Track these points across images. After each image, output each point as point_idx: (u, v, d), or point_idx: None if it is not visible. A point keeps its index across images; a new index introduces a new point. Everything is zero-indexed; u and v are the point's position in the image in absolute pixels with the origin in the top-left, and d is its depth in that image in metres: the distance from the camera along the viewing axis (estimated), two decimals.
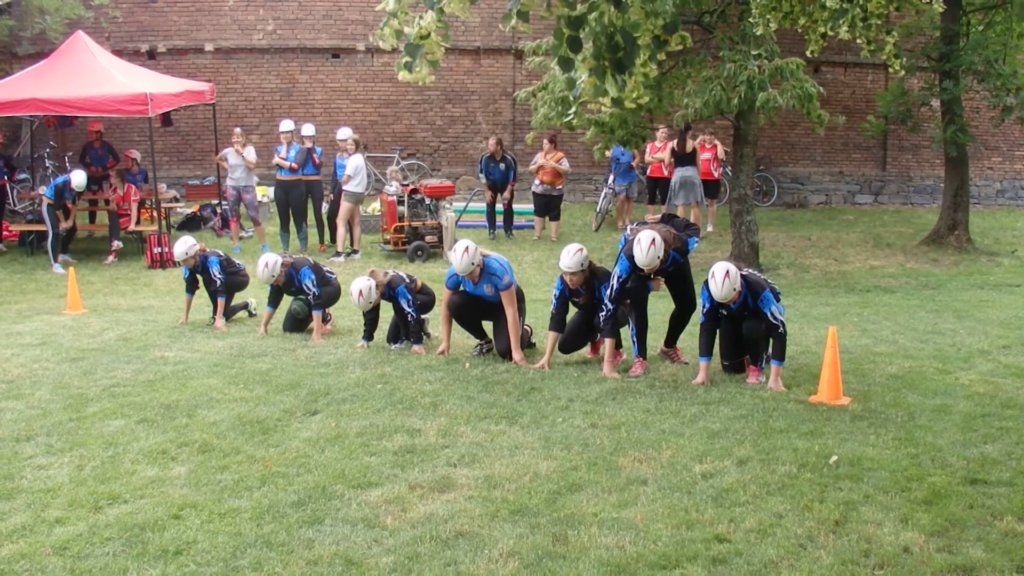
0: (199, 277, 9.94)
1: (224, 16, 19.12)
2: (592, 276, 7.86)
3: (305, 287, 9.09)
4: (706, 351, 7.41)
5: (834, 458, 5.61)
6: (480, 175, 16.17)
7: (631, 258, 7.40)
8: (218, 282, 9.75)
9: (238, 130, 15.40)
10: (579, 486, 5.27)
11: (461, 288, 8.25)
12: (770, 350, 7.35)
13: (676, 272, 7.88)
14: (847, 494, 5.11)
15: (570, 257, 7.72)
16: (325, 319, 9.42)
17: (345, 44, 19.27)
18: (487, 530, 4.71)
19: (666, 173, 16.41)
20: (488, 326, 8.43)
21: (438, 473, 5.47)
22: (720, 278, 7.06)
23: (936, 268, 14.92)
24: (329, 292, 9.44)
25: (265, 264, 9.11)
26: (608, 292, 7.61)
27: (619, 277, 7.55)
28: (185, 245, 9.82)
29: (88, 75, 14.26)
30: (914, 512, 4.87)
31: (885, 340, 9.35)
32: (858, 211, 19.97)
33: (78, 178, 14.19)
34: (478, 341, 8.47)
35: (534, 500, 5.06)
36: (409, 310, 8.52)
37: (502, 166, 15.84)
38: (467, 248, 7.94)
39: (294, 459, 5.72)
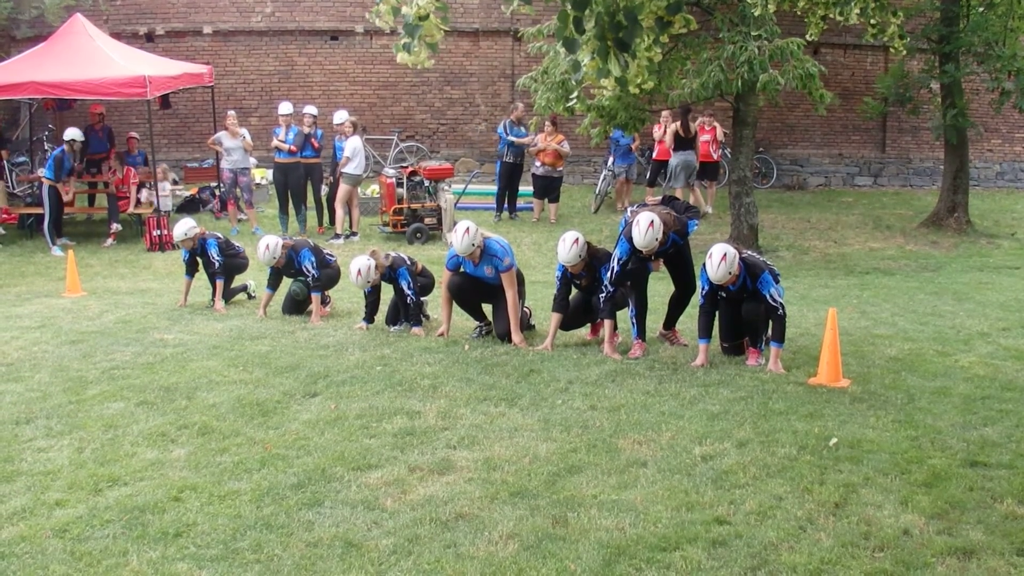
0: (198, 259, 9.92)
1: None
2: (592, 259, 7.85)
3: (305, 269, 9.09)
4: (705, 333, 7.40)
5: (834, 440, 5.61)
6: (504, 135, 16.01)
7: (631, 240, 7.39)
8: (216, 264, 9.73)
9: (232, 113, 15.37)
10: (579, 468, 5.27)
11: (461, 269, 8.24)
12: (769, 332, 7.35)
13: (676, 254, 7.86)
14: (847, 476, 5.12)
15: (567, 251, 7.68)
16: (324, 301, 9.41)
17: (344, 26, 19.20)
18: (487, 512, 4.71)
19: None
20: (488, 308, 8.42)
21: (438, 455, 5.47)
22: (717, 260, 7.05)
23: (936, 250, 14.91)
24: (328, 274, 9.43)
25: (266, 246, 9.11)
26: (608, 274, 7.60)
27: (619, 259, 7.54)
28: (184, 226, 9.81)
29: (87, 58, 14.22)
30: (914, 494, 4.87)
31: (885, 322, 9.35)
32: (857, 193, 19.94)
33: (71, 132, 14.34)
34: (477, 323, 8.46)
35: (534, 482, 5.06)
36: (409, 292, 8.51)
37: (522, 128, 15.97)
38: (468, 229, 7.92)
39: (294, 441, 5.72)
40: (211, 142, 15.48)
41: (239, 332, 8.63)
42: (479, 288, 8.26)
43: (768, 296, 7.13)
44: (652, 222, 7.26)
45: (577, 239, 7.71)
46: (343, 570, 4.16)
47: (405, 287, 8.52)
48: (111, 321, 9.17)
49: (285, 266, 9.27)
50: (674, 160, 16.05)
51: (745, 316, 7.38)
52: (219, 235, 10.11)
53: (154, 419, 6.15)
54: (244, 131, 15.10)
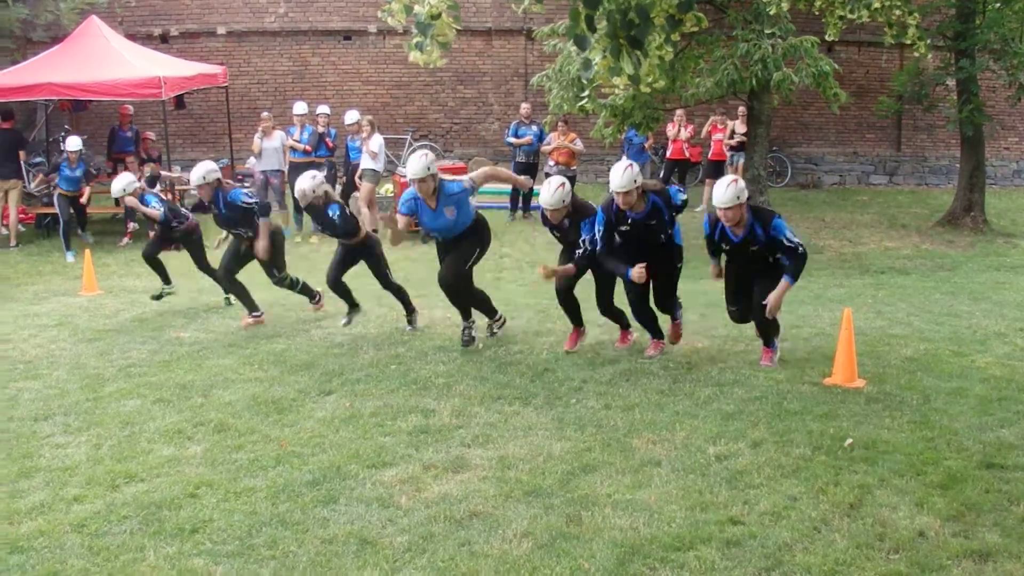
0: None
1: None
2: (575, 212, 7.45)
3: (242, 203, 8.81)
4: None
5: (849, 441, 5.59)
6: (511, 138, 16.16)
7: (607, 209, 7.09)
8: (160, 212, 9.83)
9: (266, 115, 15.31)
10: (593, 467, 5.27)
11: (416, 216, 7.60)
12: (786, 275, 7.10)
13: (664, 254, 7.39)
14: (862, 477, 5.10)
15: (551, 193, 7.30)
16: (314, 297, 9.27)
17: (357, 26, 19.24)
18: (501, 510, 4.72)
19: (687, 155, 16.70)
20: (499, 301, 8.35)
21: (452, 453, 5.49)
22: (726, 182, 6.80)
23: (952, 249, 14.83)
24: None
25: (312, 177, 8.46)
26: (591, 233, 7.22)
27: (598, 227, 7.16)
28: (123, 182, 10.03)
29: (102, 59, 14.32)
30: (929, 496, 4.85)
31: (900, 322, 9.30)
32: (872, 192, 19.85)
33: (71, 144, 14.24)
34: (488, 321, 8.24)
35: (548, 481, 5.07)
36: (335, 218, 8.21)
37: (534, 128, 16.07)
38: (425, 154, 7.38)
39: (309, 439, 5.74)
40: (255, 146, 15.10)
41: (254, 330, 8.67)
42: (449, 246, 7.76)
43: (785, 239, 6.89)
44: (631, 164, 7.03)
45: (563, 183, 7.37)
46: (358, 567, 4.18)
47: (333, 215, 8.20)
48: (127, 319, 9.23)
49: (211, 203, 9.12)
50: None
51: (756, 304, 7.15)
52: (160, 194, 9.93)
53: (170, 416, 6.19)
54: (281, 133, 15.08)
